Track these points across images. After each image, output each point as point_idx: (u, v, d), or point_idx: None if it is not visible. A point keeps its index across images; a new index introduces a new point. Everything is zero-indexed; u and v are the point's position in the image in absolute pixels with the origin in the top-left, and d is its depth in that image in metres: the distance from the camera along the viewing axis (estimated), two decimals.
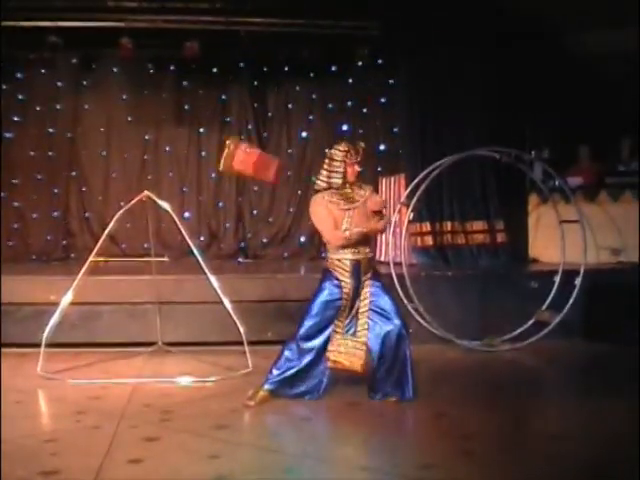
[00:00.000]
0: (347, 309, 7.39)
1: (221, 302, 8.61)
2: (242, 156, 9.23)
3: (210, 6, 12.07)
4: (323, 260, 7.78)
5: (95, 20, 12.11)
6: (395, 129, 13.89)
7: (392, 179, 12.70)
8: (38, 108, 13.79)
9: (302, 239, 14.26)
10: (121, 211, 9.09)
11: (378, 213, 7.38)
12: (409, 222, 11.24)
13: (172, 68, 14.08)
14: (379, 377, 7.43)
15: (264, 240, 14.28)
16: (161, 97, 14.15)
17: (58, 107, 13.85)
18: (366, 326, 7.38)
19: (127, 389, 7.71)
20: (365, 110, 14.37)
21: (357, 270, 7.35)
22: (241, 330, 8.47)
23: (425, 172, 10.76)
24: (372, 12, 12.00)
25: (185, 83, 14.18)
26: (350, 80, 14.21)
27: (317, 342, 7.38)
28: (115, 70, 13.85)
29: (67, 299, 8.71)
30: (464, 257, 12.15)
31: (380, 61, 13.59)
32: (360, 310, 7.41)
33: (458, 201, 12.30)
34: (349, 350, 7.37)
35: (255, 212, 14.30)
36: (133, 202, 9.05)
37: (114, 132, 14.11)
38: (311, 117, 14.47)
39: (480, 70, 12.20)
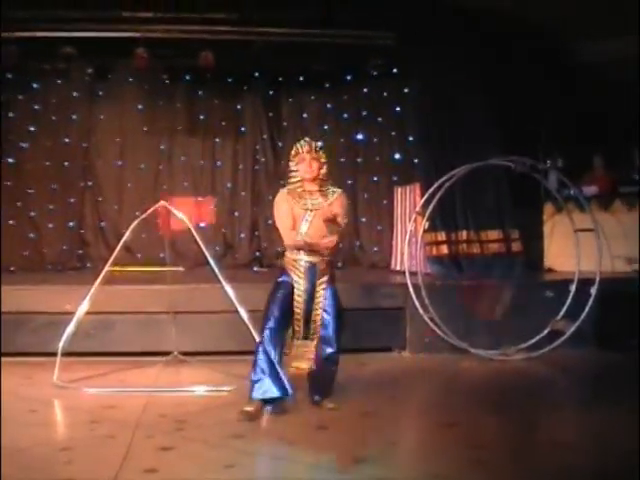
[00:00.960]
0: (302, 313, 7.31)
1: (236, 311, 8.62)
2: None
3: (225, 16, 12.10)
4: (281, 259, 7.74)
5: (110, 30, 12.13)
6: (410, 138, 13.82)
7: (407, 188, 12.70)
8: (53, 118, 13.81)
9: None
10: (137, 221, 9.11)
11: (332, 222, 7.10)
12: (424, 231, 11.23)
13: (187, 78, 14.11)
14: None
15: (279, 249, 14.23)
16: (176, 107, 14.18)
17: (73, 117, 13.88)
18: (318, 329, 7.34)
19: (142, 398, 7.71)
20: (380, 119, 14.36)
21: (312, 273, 7.30)
22: (256, 339, 8.47)
23: (440, 181, 10.75)
24: (387, 22, 12.00)
25: (200, 93, 14.21)
26: (365, 89, 14.22)
27: (280, 341, 7.31)
28: (130, 80, 13.87)
29: (83, 308, 8.74)
30: (479, 266, 12.10)
31: (395, 70, 13.57)
32: (314, 312, 7.32)
33: (473, 210, 12.24)
34: (305, 354, 7.37)
35: (270, 221, 14.25)
36: (149, 212, 9.07)
37: (129, 142, 14.14)
38: (326, 127, 14.47)
39: (495, 79, 12.16)
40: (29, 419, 7.14)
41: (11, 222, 13.56)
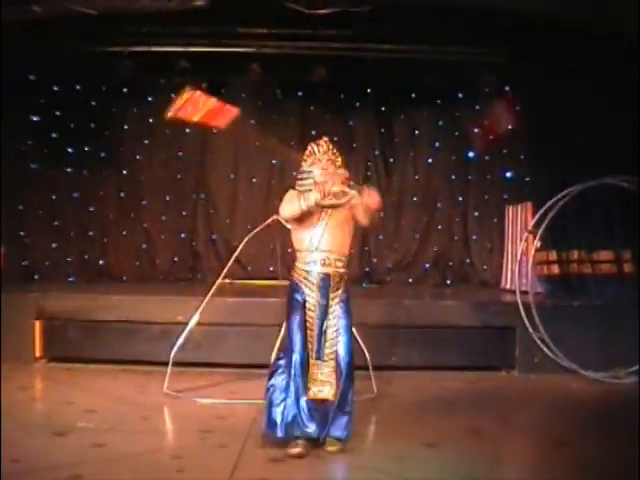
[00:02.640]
0: (316, 329, 6.61)
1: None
2: (193, 104, 9.15)
3: (338, 33, 12.14)
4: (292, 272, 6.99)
5: (224, 46, 12.30)
6: (522, 156, 13.69)
7: (519, 207, 12.59)
8: (167, 131, 13.99)
9: (427, 265, 14.18)
10: (250, 234, 9.17)
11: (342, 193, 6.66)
12: (536, 250, 11.11)
13: (299, 93, 14.18)
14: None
15: (389, 265, 14.23)
16: (288, 122, 14.23)
17: (187, 131, 14.05)
18: (333, 349, 6.62)
19: (252, 410, 7.74)
20: (491, 137, 14.23)
21: (325, 285, 6.65)
22: (367, 355, 8.47)
23: (553, 200, 10.62)
24: (499, 39, 11.91)
25: (312, 108, 14.24)
26: (477, 106, 14.11)
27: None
28: (243, 95, 13.97)
29: (194, 319, 8.84)
30: (590, 287, 11.91)
31: (507, 87, 13.45)
32: (328, 330, 6.63)
33: (585, 230, 12.06)
34: (324, 378, 6.58)
35: (380, 237, 14.26)
36: (262, 226, 9.10)
37: (242, 156, 14.26)
38: (437, 144, 14.40)
39: (609, 95, 11.99)
40: (141, 426, 7.26)
41: (124, 232, 13.88)
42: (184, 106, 9.18)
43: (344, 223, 6.83)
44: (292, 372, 6.49)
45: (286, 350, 6.70)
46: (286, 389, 6.52)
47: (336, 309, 6.69)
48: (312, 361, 6.59)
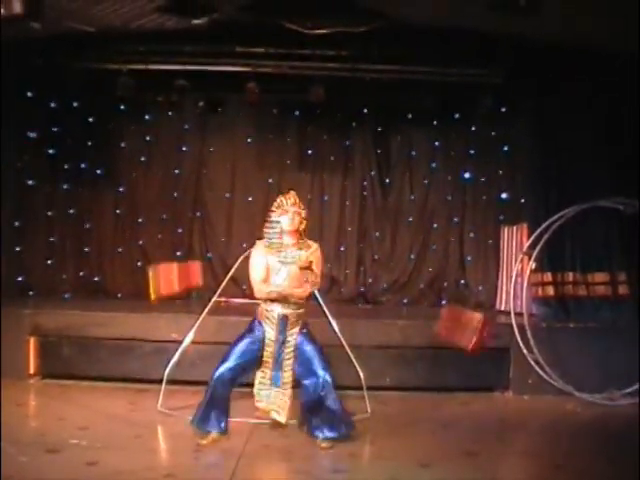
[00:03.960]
0: (272, 359, 7.60)
1: (342, 346, 8.62)
2: (164, 277, 9.74)
3: (336, 53, 12.18)
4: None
5: (222, 65, 12.35)
6: (518, 178, 13.72)
7: (514, 228, 12.62)
8: (164, 149, 14.03)
9: (422, 286, 14.14)
10: (245, 253, 9.16)
11: (308, 269, 7.38)
12: (531, 272, 11.13)
13: (297, 113, 14.18)
14: (314, 424, 7.60)
15: (384, 285, 14.20)
16: (285, 141, 14.24)
17: (184, 149, 14.07)
18: (290, 378, 7.62)
19: (246, 428, 7.77)
20: (487, 158, 14.26)
21: (283, 324, 7.58)
22: (361, 375, 8.47)
23: (548, 222, 10.67)
24: (495, 60, 11.96)
25: (309, 128, 14.24)
26: (473, 128, 14.12)
27: (232, 380, 7.64)
28: (241, 114, 14.00)
29: (189, 337, 8.84)
30: (585, 309, 11.93)
31: (503, 109, 13.49)
32: (284, 362, 7.60)
33: (580, 251, 12.10)
34: (277, 402, 7.64)
35: (376, 257, 14.25)
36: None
37: (238, 175, 14.24)
38: (433, 164, 14.39)
39: (604, 119, 12.04)
40: (134, 444, 7.26)
41: (120, 250, 13.86)
42: (158, 283, 9.82)
43: (302, 273, 7.47)
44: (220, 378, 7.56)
45: (224, 365, 7.60)
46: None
47: (292, 343, 7.61)
48: (272, 390, 7.67)
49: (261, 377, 7.66)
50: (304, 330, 7.71)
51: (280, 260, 7.53)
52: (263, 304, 7.64)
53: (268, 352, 7.58)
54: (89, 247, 13.79)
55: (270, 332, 7.57)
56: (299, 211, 7.61)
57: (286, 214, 7.54)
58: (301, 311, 7.70)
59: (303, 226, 7.71)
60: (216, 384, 7.51)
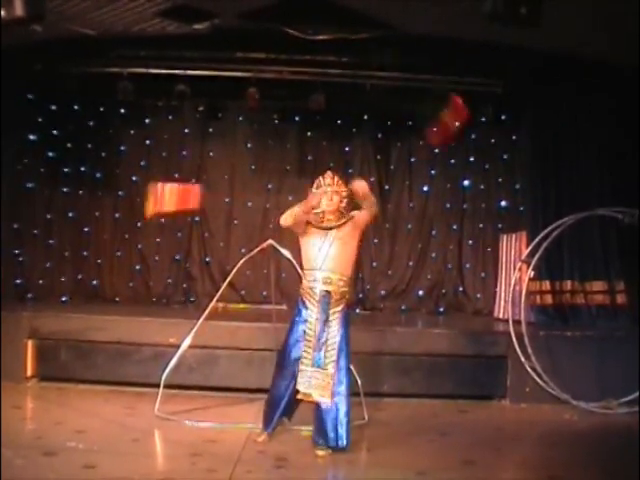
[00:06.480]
0: (314, 340, 7.31)
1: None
2: (162, 196, 9.55)
3: (336, 59, 12.20)
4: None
5: (223, 70, 12.35)
6: (517, 186, 13.72)
7: (513, 236, 12.63)
8: (164, 154, 14.05)
9: (420, 293, 14.15)
10: (244, 258, 9.20)
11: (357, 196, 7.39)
12: (529, 280, 11.13)
13: (297, 119, 14.19)
14: (317, 427, 7.40)
15: (382, 292, 14.21)
16: (285, 147, 14.25)
17: (184, 153, 14.08)
18: (334, 358, 7.29)
19: (243, 434, 7.75)
20: (487, 166, 14.26)
21: (326, 302, 7.34)
22: (358, 381, 8.46)
23: (547, 230, 10.67)
24: (496, 69, 11.99)
25: (309, 134, 14.27)
26: (473, 136, 14.13)
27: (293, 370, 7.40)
28: (241, 119, 14.02)
29: (187, 342, 8.83)
30: (583, 317, 11.92)
31: (503, 117, 13.51)
32: (329, 342, 7.31)
33: (578, 260, 12.05)
34: (318, 383, 7.25)
35: (375, 264, 14.25)
36: (257, 250, 9.13)
37: (238, 180, 14.24)
38: (433, 171, 14.40)
39: (604, 128, 12.04)
40: (131, 448, 7.24)
41: (119, 253, 13.88)
42: (156, 201, 9.69)
43: (346, 245, 7.42)
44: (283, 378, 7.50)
45: (280, 354, 7.63)
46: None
47: (335, 322, 7.35)
48: (310, 369, 7.28)
49: (304, 358, 7.33)
50: (346, 318, 7.50)
51: (322, 239, 7.37)
52: (304, 281, 7.48)
53: (310, 333, 7.33)
54: (88, 251, 13.82)
55: (313, 310, 7.36)
56: (338, 190, 7.45)
57: (325, 194, 7.40)
58: (345, 289, 7.47)
59: (344, 205, 7.47)
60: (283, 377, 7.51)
